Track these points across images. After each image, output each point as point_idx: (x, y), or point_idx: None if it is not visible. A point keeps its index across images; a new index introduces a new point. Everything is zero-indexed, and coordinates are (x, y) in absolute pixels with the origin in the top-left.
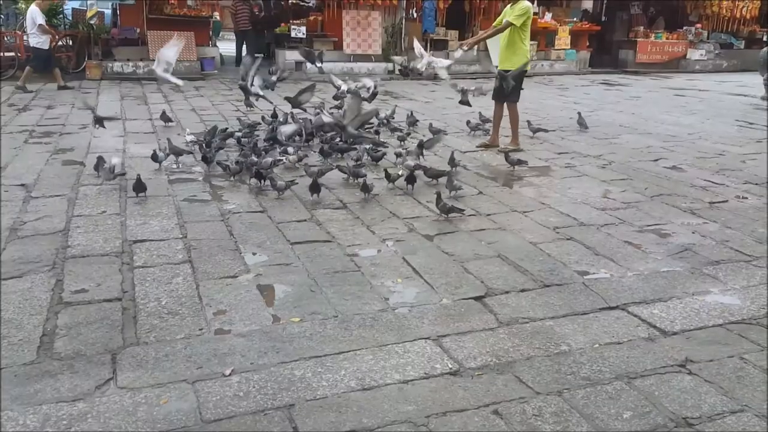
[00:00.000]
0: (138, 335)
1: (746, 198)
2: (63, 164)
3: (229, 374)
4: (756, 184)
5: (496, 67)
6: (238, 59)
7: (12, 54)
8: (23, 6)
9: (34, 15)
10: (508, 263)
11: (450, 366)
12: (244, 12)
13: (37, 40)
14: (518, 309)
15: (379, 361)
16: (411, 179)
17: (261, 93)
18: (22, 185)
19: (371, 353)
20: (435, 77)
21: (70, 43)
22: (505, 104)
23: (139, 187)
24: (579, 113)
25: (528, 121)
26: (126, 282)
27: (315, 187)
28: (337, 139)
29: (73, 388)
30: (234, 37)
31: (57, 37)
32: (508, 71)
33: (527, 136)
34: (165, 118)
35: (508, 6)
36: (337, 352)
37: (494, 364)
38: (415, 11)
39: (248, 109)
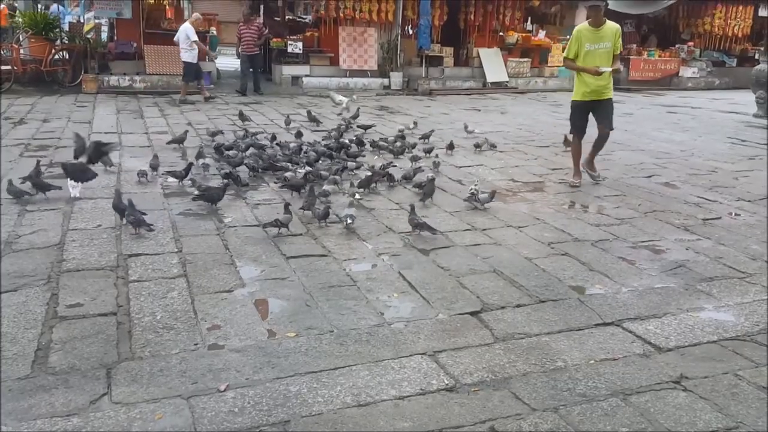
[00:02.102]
0: (133, 350)
1: (739, 215)
2: (58, 177)
3: (224, 390)
4: (748, 200)
5: (582, 101)
6: (245, 84)
7: (9, 67)
8: (20, 20)
9: (188, 31)
10: (503, 278)
11: (446, 382)
12: (250, 36)
13: (188, 55)
14: (514, 324)
15: (375, 377)
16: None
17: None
18: (17, 199)
19: (367, 369)
20: (430, 93)
21: (67, 56)
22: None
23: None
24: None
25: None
26: (121, 296)
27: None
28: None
29: (67, 402)
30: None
31: (54, 50)
32: (606, 100)
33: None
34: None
35: (585, 25)
36: (332, 367)
37: (490, 380)
38: (411, 28)
39: (243, 123)
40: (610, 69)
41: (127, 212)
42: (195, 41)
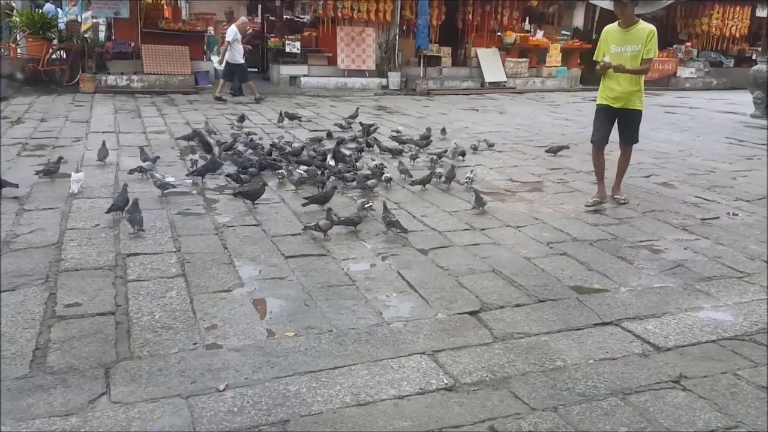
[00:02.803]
0: (131, 349)
1: (737, 214)
2: (56, 177)
3: (223, 389)
4: (747, 200)
5: (606, 105)
6: (236, 84)
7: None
8: (17, 20)
9: (230, 33)
10: (502, 278)
11: (445, 381)
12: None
13: (232, 55)
14: (513, 324)
15: (375, 377)
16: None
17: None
18: (15, 198)
19: (366, 368)
20: (428, 93)
21: (64, 56)
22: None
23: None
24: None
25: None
26: (119, 296)
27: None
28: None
29: (66, 402)
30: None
31: (52, 49)
32: (632, 110)
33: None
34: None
35: (614, 26)
36: (332, 367)
37: (490, 380)
38: (409, 28)
39: (238, 125)
40: (607, 62)
41: (129, 208)
42: (228, 41)
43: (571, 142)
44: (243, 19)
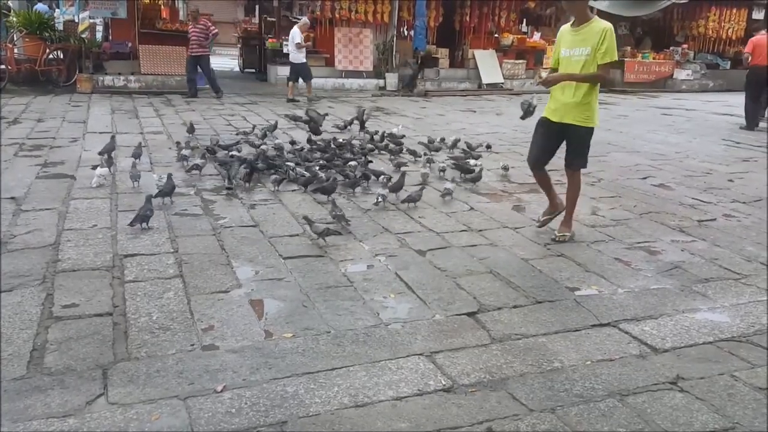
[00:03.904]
0: (129, 350)
1: (734, 216)
2: (53, 177)
3: (221, 390)
4: (743, 202)
5: (544, 118)
6: (193, 89)
7: (2, 67)
8: (14, 20)
9: (294, 35)
10: (500, 279)
11: (443, 383)
12: (196, 36)
13: (295, 56)
14: (511, 325)
15: (372, 378)
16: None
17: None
18: (12, 198)
19: (364, 369)
20: (426, 94)
21: (61, 56)
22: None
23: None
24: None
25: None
26: (117, 297)
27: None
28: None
29: (63, 403)
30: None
31: (49, 50)
32: (574, 127)
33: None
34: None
35: (568, 27)
36: (330, 368)
37: (487, 381)
38: (406, 29)
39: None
40: (544, 77)
41: (143, 206)
42: (298, 43)
43: None
44: (305, 20)
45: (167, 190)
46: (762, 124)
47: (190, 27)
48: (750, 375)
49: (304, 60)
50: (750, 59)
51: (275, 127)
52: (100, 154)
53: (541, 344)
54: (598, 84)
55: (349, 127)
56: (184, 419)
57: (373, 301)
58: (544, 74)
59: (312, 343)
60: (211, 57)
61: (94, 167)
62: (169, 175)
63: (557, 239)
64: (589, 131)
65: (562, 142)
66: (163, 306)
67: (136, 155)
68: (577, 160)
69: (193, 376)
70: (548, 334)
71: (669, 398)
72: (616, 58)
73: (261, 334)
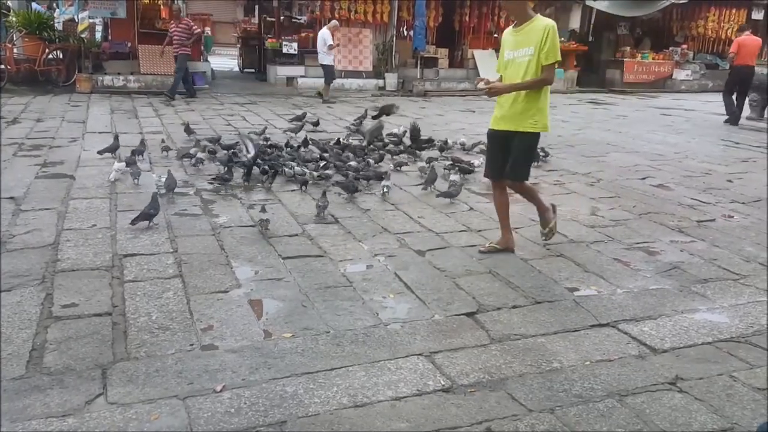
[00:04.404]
0: (128, 350)
1: (733, 217)
2: (53, 177)
3: (220, 390)
4: (742, 203)
5: (492, 130)
6: (190, 89)
7: (2, 67)
8: (13, 20)
9: (325, 37)
10: (499, 279)
11: (442, 383)
12: (178, 35)
13: (324, 58)
14: (510, 325)
15: (372, 378)
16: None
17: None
18: (11, 198)
19: (363, 369)
20: (425, 94)
21: (61, 56)
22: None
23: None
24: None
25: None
26: (116, 296)
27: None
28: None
29: (62, 403)
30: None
31: (48, 49)
32: (520, 134)
33: None
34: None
35: (510, 28)
36: (329, 368)
37: (487, 381)
38: (406, 29)
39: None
40: (482, 86)
41: (149, 204)
42: (330, 45)
43: (567, 144)
44: (334, 22)
45: (172, 186)
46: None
47: (172, 27)
48: (749, 375)
49: (332, 62)
50: (735, 59)
51: (304, 125)
52: (99, 153)
53: (540, 344)
54: (550, 85)
55: (359, 128)
56: (184, 419)
57: (373, 301)
58: (481, 84)
59: (311, 343)
60: (211, 57)
61: (117, 159)
62: (169, 171)
63: (545, 236)
64: (535, 137)
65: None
66: (162, 306)
67: (139, 152)
68: (517, 170)
69: (192, 376)
70: (547, 334)
71: (668, 398)
72: (559, 58)
73: (260, 334)
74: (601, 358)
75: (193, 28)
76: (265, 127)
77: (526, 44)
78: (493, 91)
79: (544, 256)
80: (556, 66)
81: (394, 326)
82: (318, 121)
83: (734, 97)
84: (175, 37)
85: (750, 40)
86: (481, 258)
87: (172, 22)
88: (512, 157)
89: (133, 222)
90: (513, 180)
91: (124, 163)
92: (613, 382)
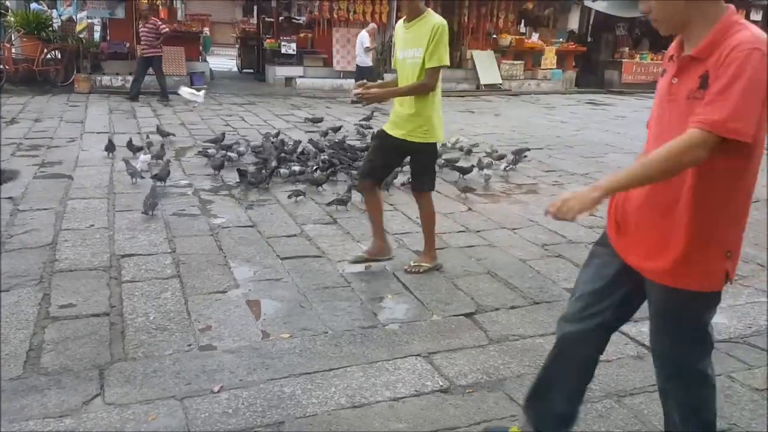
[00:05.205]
0: (126, 351)
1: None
2: (51, 177)
3: (218, 391)
4: None
5: (382, 130)
6: (135, 91)
7: (0, 67)
8: (12, 20)
9: (363, 39)
10: (497, 280)
11: (441, 383)
12: (146, 36)
13: (362, 60)
14: (508, 326)
15: (370, 378)
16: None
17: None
18: (9, 198)
19: (362, 370)
20: None
21: (59, 56)
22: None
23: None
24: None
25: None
26: (114, 297)
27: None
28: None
29: (60, 403)
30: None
31: (46, 49)
32: (409, 143)
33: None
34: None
35: (401, 24)
36: (327, 368)
37: (485, 382)
38: None
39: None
40: (357, 92)
41: (149, 194)
42: (367, 47)
43: (566, 144)
44: (372, 25)
45: (163, 175)
46: None
47: (140, 27)
48: (747, 376)
49: (370, 64)
50: None
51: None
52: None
53: (538, 345)
54: (436, 93)
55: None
56: (181, 419)
57: (371, 302)
58: (355, 91)
59: (309, 344)
60: (209, 58)
61: (138, 150)
62: (167, 161)
63: (410, 270)
64: (431, 147)
65: (403, 160)
66: (160, 306)
67: (159, 156)
68: (422, 181)
69: (190, 377)
70: (546, 335)
71: None
72: (447, 63)
73: (258, 334)
74: (600, 358)
75: (161, 27)
76: (279, 131)
77: (415, 44)
78: (367, 98)
79: (542, 257)
80: (441, 70)
81: (393, 327)
82: (322, 118)
83: None
84: (142, 38)
85: None
86: (480, 258)
87: (140, 22)
88: (413, 166)
89: (146, 212)
90: (420, 190)
91: (149, 155)
92: (612, 383)
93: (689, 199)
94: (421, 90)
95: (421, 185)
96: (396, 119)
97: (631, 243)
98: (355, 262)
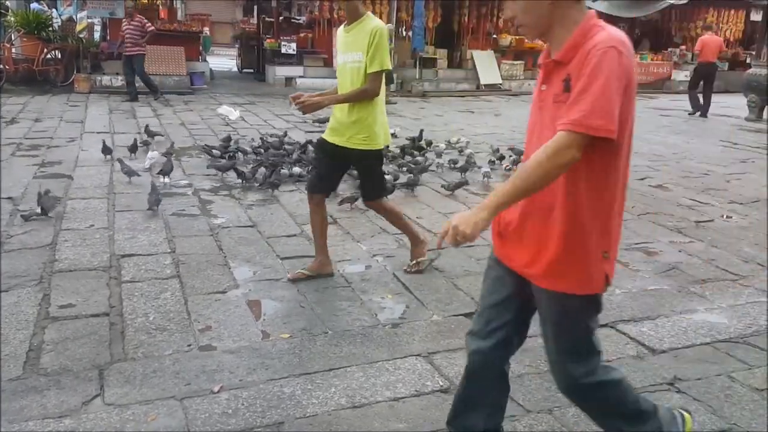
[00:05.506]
0: (126, 351)
1: (731, 217)
2: (51, 177)
3: (218, 391)
4: (740, 203)
5: (322, 139)
6: (134, 93)
7: (0, 66)
8: (12, 20)
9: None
10: None
11: (441, 383)
12: (131, 34)
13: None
14: None
15: (370, 378)
16: None
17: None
18: (9, 198)
19: (361, 370)
20: (424, 95)
21: (59, 56)
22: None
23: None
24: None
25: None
26: (114, 297)
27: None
28: None
29: (59, 404)
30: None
31: (46, 49)
32: (349, 150)
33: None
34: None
35: (342, 28)
36: (327, 368)
37: None
38: (405, 30)
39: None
40: (292, 95)
41: (150, 191)
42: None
43: None
44: (390, 26)
45: (167, 170)
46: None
47: (124, 25)
48: (747, 376)
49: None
50: (698, 56)
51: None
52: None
53: (538, 345)
54: (378, 98)
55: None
56: (181, 420)
57: (371, 302)
58: (294, 104)
59: (309, 344)
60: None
61: (146, 145)
62: (171, 155)
63: (410, 270)
64: (373, 153)
65: (348, 168)
66: (160, 306)
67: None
68: (368, 189)
69: (189, 377)
70: None
71: (666, 399)
72: (389, 67)
73: (258, 334)
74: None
75: (146, 25)
76: (286, 132)
77: (355, 48)
78: (307, 106)
79: None
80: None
81: (393, 327)
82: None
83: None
84: (127, 36)
85: (711, 39)
86: (480, 258)
87: (124, 20)
88: (360, 176)
89: (150, 209)
90: (366, 199)
91: (157, 152)
92: None
93: (563, 202)
94: (364, 96)
95: (369, 193)
96: (336, 125)
97: (512, 250)
98: (295, 279)
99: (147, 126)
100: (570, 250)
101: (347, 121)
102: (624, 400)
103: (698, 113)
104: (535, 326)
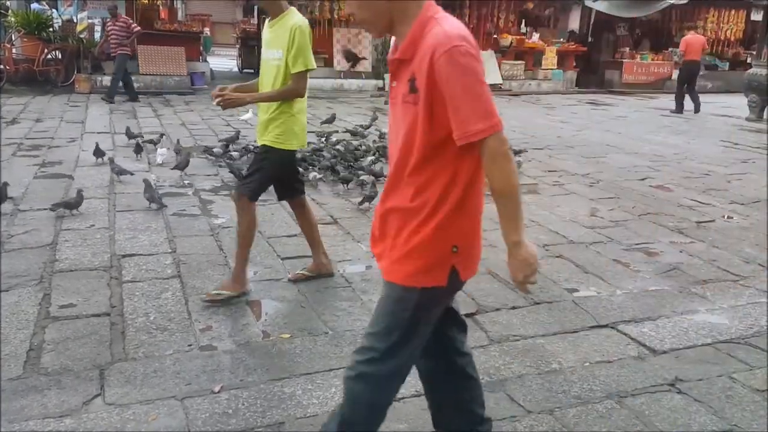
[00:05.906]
0: (126, 351)
1: (732, 218)
2: (51, 177)
3: (219, 391)
4: (741, 204)
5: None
6: (133, 93)
7: (1, 67)
8: (12, 20)
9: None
10: (498, 280)
11: None
12: (116, 34)
13: None
14: (509, 326)
15: None
16: None
17: None
18: (10, 198)
19: None
20: None
21: (60, 56)
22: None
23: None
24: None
25: None
26: (114, 297)
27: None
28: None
29: (60, 404)
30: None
31: (47, 50)
32: (269, 149)
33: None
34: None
35: (267, 23)
36: (327, 369)
37: (486, 382)
38: None
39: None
40: (215, 92)
41: (145, 189)
42: None
43: (567, 145)
44: None
45: (182, 165)
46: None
47: (108, 25)
48: (748, 377)
49: None
50: (683, 56)
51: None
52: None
53: (539, 345)
54: (300, 97)
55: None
56: (181, 420)
57: (372, 302)
58: (217, 100)
59: (309, 344)
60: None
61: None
62: (187, 153)
63: (207, 299)
64: (276, 153)
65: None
66: (160, 306)
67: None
68: (246, 182)
69: (190, 377)
70: (546, 335)
71: (667, 400)
72: (312, 66)
73: (258, 334)
74: (601, 359)
75: (132, 26)
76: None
77: (276, 45)
78: (227, 103)
79: (543, 257)
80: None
81: None
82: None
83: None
84: (112, 36)
85: (695, 39)
86: (480, 258)
87: (109, 20)
88: (249, 169)
89: (155, 204)
90: (238, 190)
91: (166, 149)
92: (613, 384)
93: (434, 203)
94: (290, 95)
95: (242, 187)
96: (259, 125)
97: (380, 250)
98: (295, 280)
99: (128, 128)
100: (421, 244)
101: (266, 119)
102: (476, 394)
103: (680, 113)
104: (534, 327)
